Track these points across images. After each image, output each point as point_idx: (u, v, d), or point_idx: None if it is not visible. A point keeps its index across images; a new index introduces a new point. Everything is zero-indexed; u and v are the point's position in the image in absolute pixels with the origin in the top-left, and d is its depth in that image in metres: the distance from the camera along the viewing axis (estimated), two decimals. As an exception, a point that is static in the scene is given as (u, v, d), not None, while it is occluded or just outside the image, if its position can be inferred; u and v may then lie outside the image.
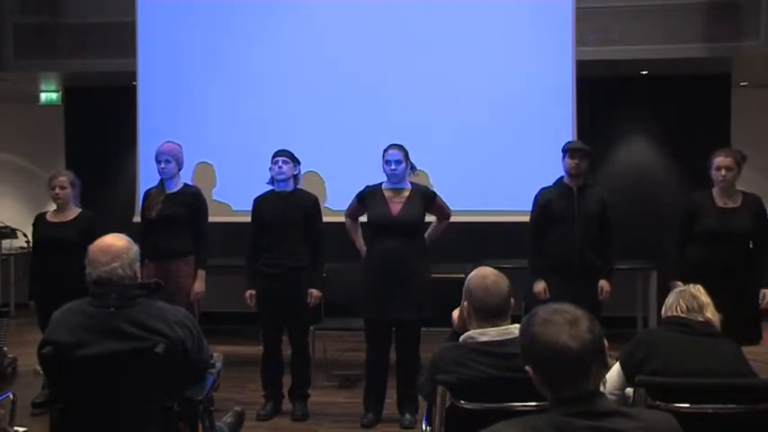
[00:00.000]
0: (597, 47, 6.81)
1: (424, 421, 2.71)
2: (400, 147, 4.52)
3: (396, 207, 4.48)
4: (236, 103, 6.58)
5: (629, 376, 2.67)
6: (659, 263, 6.47)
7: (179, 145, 5.04)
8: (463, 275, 2.73)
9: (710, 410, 2.43)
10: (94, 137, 8.28)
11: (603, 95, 7.45)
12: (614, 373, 2.73)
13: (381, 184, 4.58)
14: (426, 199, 4.57)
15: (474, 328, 2.50)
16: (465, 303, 2.57)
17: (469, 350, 2.45)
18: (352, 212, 4.75)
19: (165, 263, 4.80)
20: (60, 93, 8.58)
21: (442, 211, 4.74)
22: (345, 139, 6.39)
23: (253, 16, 6.66)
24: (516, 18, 6.45)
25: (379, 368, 4.60)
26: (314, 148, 6.00)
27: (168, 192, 4.94)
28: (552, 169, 6.33)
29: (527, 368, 1.67)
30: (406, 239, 4.45)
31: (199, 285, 4.88)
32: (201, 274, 4.90)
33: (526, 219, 5.03)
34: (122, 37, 7.04)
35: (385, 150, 4.53)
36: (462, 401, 2.39)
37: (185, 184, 5.11)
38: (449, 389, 2.40)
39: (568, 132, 6.29)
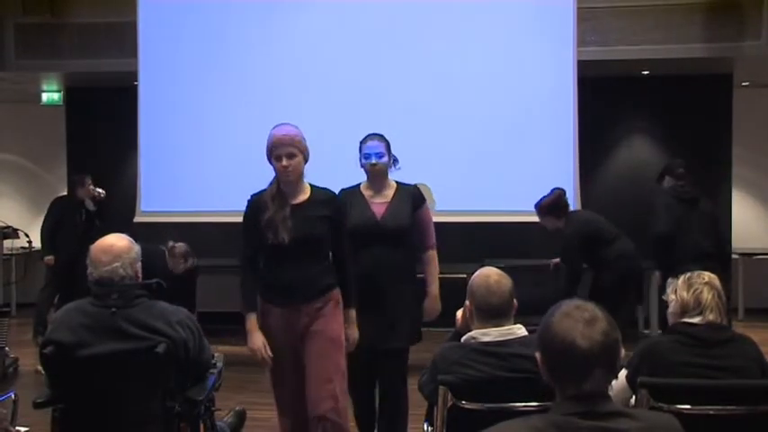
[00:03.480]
0: (598, 47, 6.81)
1: (425, 421, 2.71)
2: (381, 137, 3.72)
3: (379, 209, 3.66)
4: (237, 102, 6.58)
5: (635, 391, 2.59)
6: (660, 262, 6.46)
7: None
8: (465, 275, 2.74)
9: (712, 412, 2.42)
10: (96, 137, 8.28)
11: (605, 96, 7.44)
12: (620, 386, 2.64)
13: (360, 184, 3.77)
14: (414, 200, 3.73)
15: (476, 328, 2.50)
16: (467, 303, 2.57)
17: (471, 350, 2.45)
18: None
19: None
20: (62, 93, 8.58)
21: (425, 232, 3.78)
22: (346, 139, 6.37)
23: (254, 17, 6.66)
24: (517, 19, 6.45)
25: (366, 408, 3.79)
26: (315, 150, 5.99)
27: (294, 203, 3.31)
28: (553, 169, 6.35)
29: (537, 355, 1.66)
30: (393, 247, 3.63)
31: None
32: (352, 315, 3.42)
33: (527, 219, 5.03)
34: (124, 37, 7.05)
35: (362, 142, 3.73)
36: (464, 402, 2.39)
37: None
38: (450, 389, 2.40)
39: (570, 133, 6.29)
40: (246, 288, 3.26)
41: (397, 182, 3.77)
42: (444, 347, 2.55)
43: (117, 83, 7.45)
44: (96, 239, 2.73)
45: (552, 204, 5.20)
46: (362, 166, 3.72)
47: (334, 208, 3.31)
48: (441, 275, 4.66)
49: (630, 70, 7.41)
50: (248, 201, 3.29)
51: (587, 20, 6.60)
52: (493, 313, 2.48)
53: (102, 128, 8.17)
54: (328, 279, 3.28)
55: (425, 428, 2.69)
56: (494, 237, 6.88)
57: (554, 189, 5.25)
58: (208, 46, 6.69)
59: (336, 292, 3.28)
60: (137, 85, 6.83)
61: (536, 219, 5.36)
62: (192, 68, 6.69)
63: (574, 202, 6.23)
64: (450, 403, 2.40)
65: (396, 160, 3.79)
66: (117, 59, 7.19)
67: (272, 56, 6.58)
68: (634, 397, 2.58)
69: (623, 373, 2.65)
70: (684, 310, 2.66)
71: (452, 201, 6.23)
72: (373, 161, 3.66)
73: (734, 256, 7.73)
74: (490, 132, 6.34)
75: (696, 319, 2.63)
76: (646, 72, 7.58)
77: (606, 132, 7.68)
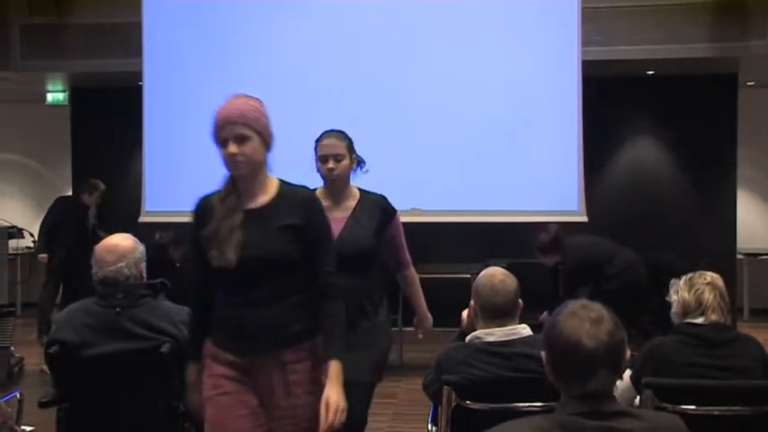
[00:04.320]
0: (603, 47, 6.80)
1: (429, 421, 2.71)
2: (340, 134, 3.00)
3: (336, 225, 2.74)
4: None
5: (640, 391, 2.59)
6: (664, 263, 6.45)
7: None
8: (468, 276, 2.73)
9: (717, 412, 2.42)
10: (101, 137, 8.30)
11: (609, 96, 7.43)
12: (625, 386, 2.62)
13: (315, 190, 2.80)
14: (383, 215, 2.97)
15: (480, 328, 2.50)
16: (472, 302, 2.57)
17: (476, 350, 2.45)
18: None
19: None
20: (67, 93, 8.61)
21: (398, 251, 3.09)
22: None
23: (259, 17, 6.66)
24: (521, 19, 6.44)
25: None
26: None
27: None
28: (557, 169, 6.34)
29: (542, 353, 1.67)
30: (354, 274, 2.70)
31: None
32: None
33: (531, 219, 5.03)
34: (129, 38, 7.07)
35: (318, 141, 2.99)
36: (468, 402, 2.39)
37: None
38: (454, 389, 2.40)
39: (574, 133, 6.28)
40: (191, 326, 2.44)
41: (361, 190, 3.00)
42: (449, 347, 2.55)
43: (122, 83, 7.46)
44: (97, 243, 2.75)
45: (555, 243, 5.39)
46: (318, 170, 2.96)
47: (310, 212, 2.32)
48: (445, 276, 4.54)
49: (635, 70, 7.40)
50: (196, 203, 2.39)
51: (592, 19, 6.59)
52: (497, 313, 2.47)
53: (107, 128, 8.19)
54: (301, 322, 2.25)
55: (430, 428, 2.68)
56: (498, 237, 6.87)
57: (549, 226, 5.47)
58: (212, 46, 6.70)
59: (315, 344, 2.26)
60: (141, 86, 6.85)
61: (541, 219, 5.39)
62: (196, 69, 6.70)
63: (578, 204, 6.23)
64: (454, 403, 2.40)
65: (361, 162, 3.04)
66: (122, 60, 7.21)
67: (277, 56, 6.58)
68: (639, 397, 2.57)
69: (627, 373, 2.64)
70: (686, 310, 2.66)
71: (457, 201, 6.23)
72: (330, 165, 2.90)
73: (738, 256, 7.73)
74: (494, 132, 6.33)
75: (699, 320, 2.62)
76: (650, 72, 7.57)
77: (610, 133, 7.67)
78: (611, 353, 1.58)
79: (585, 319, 1.60)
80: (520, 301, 2.51)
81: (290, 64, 6.57)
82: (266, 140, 2.27)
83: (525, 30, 6.42)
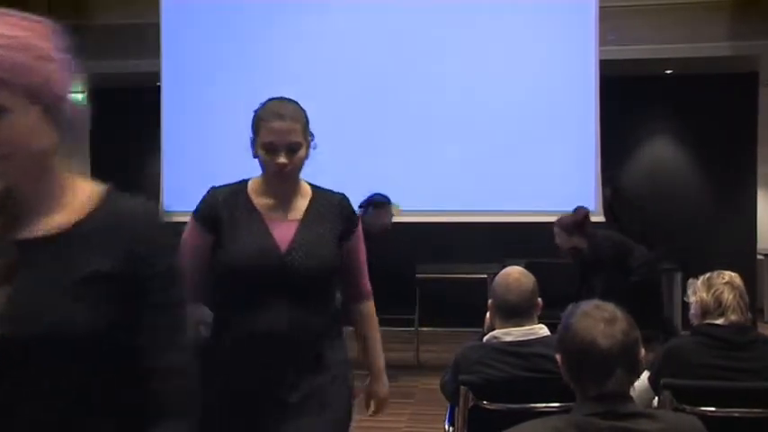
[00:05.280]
0: (621, 46, 6.76)
1: (446, 421, 2.71)
2: (296, 109, 2.12)
3: (284, 233, 2.05)
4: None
5: (658, 392, 2.57)
6: (683, 263, 6.41)
7: None
8: (485, 276, 2.73)
9: (737, 414, 2.40)
10: (119, 138, 8.34)
11: (627, 95, 7.39)
12: (643, 387, 2.59)
13: (246, 182, 2.18)
14: (347, 222, 2.15)
15: (498, 328, 2.50)
16: (489, 302, 2.57)
17: (492, 349, 2.44)
18: (193, 249, 2.04)
19: None
20: (86, 94, 8.68)
21: (357, 271, 2.20)
22: (364, 139, 6.39)
23: (275, 17, 6.69)
24: (539, 18, 6.42)
25: None
26: (335, 150, 6.01)
27: None
28: (575, 169, 6.32)
29: (557, 356, 1.66)
30: (307, 304, 2.03)
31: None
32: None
33: (548, 218, 5.01)
34: (147, 38, 7.11)
35: (260, 118, 2.10)
36: (485, 402, 2.39)
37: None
38: (471, 389, 2.40)
39: (591, 132, 6.26)
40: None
41: (312, 186, 2.16)
42: (466, 347, 2.55)
43: (140, 84, 7.51)
44: None
45: (579, 223, 5.17)
46: (257, 157, 2.09)
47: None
48: (461, 276, 4.19)
49: (653, 69, 7.35)
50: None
51: (610, 18, 6.56)
52: (511, 312, 2.46)
53: (126, 129, 8.23)
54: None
55: (447, 428, 2.68)
56: (516, 236, 6.85)
57: (577, 207, 5.26)
58: (230, 46, 6.73)
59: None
60: (160, 86, 6.89)
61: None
62: (214, 69, 6.74)
63: (595, 203, 6.20)
64: (471, 404, 2.40)
65: (311, 139, 2.11)
66: (140, 60, 7.26)
67: (294, 56, 6.60)
68: (657, 399, 2.56)
69: (645, 374, 2.62)
70: (705, 311, 2.62)
71: (474, 200, 6.22)
72: (282, 160, 2.02)
73: (758, 256, 7.65)
74: (512, 131, 6.32)
75: (719, 321, 2.59)
76: (669, 71, 7.52)
77: (628, 132, 7.63)
78: (627, 352, 1.58)
79: (599, 319, 1.60)
80: (539, 300, 2.50)
81: (308, 64, 6.58)
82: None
83: (543, 29, 6.41)
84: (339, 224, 2.12)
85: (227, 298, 2.06)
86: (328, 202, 2.14)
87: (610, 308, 1.64)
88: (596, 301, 1.67)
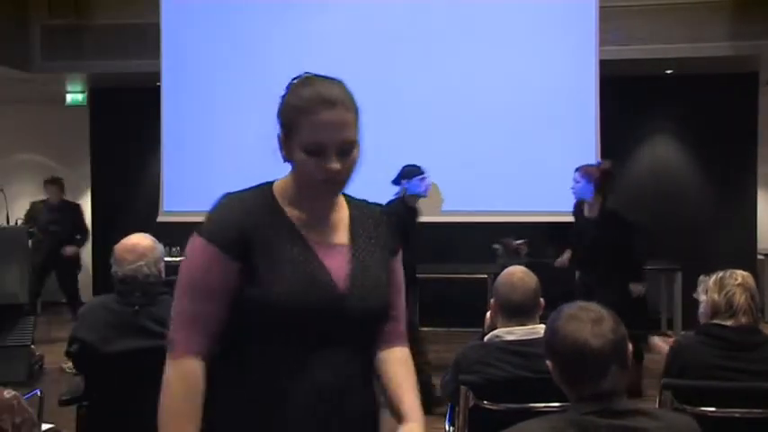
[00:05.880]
0: (621, 46, 6.76)
1: (446, 421, 2.71)
2: (346, 93, 1.62)
3: (335, 263, 1.56)
4: (260, 103, 6.59)
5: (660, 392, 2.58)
6: (684, 263, 6.41)
7: None
8: (485, 276, 2.73)
9: (737, 415, 2.40)
10: (120, 137, 8.36)
11: (628, 95, 7.39)
12: None
13: (270, 187, 1.67)
14: (391, 239, 1.68)
15: (501, 326, 2.50)
16: (492, 301, 2.57)
17: (495, 348, 2.44)
18: (210, 285, 1.51)
19: None
20: (86, 94, 8.67)
21: (396, 304, 1.65)
22: (364, 139, 6.38)
23: (276, 17, 6.68)
24: (539, 18, 6.42)
25: None
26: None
27: None
28: (574, 169, 6.28)
29: (547, 362, 1.67)
30: (359, 346, 1.58)
31: None
32: None
33: (549, 219, 5.00)
34: (147, 38, 7.11)
35: (297, 109, 1.60)
36: (485, 402, 2.38)
37: None
38: (471, 389, 2.40)
39: (592, 132, 6.26)
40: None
41: (347, 196, 1.67)
42: (466, 347, 2.55)
43: (140, 84, 7.51)
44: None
45: (607, 176, 4.82)
46: (290, 161, 1.59)
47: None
48: (462, 276, 4.10)
49: (653, 69, 7.35)
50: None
51: (610, 19, 6.56)
52: (515, 311, 2.46)
53: (126, 128, 8.25)
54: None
55: (447, 428, 2.68)
56: (517, 237, 6.85)
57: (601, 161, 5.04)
58: (231, 47, 6.73)
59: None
60: (160, 86, 6.89)
61: (559, 219, 5.33)
62: (214, 69, 6.74)
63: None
64: (471, 403, 2.40)
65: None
66: (140, 60, 7.26)
67: (295, 56, 6.59)
68: (657, 398, 2.55)
69: None
70: (715, 311, 2.58)
71: (473, 201, 6.22)
72: (334, 165, 1.52)
73: (759, 256, 7.65)
74: (511, 132, 6.32)
75: (728, 322, 2.56)
76: (669, 71, 7.52)
77: (628, 132, 7.62)
78: (618, 349, 1.60)
79: (586, 320, 1.61)
80: (541, 300, 2.50)
81: (309, 64, 6.56)
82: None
83: (543, 29, 6.40)
84: (386, 246, 1.64)
85: (254, 350, 1.50)
86: (370, 217, 1.64)
87: (594, 307, 1.65)
88: (579, 302, 1.68)
